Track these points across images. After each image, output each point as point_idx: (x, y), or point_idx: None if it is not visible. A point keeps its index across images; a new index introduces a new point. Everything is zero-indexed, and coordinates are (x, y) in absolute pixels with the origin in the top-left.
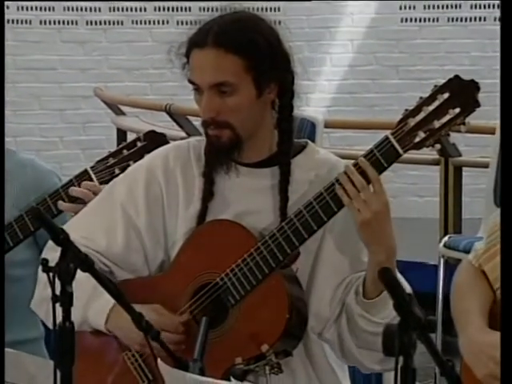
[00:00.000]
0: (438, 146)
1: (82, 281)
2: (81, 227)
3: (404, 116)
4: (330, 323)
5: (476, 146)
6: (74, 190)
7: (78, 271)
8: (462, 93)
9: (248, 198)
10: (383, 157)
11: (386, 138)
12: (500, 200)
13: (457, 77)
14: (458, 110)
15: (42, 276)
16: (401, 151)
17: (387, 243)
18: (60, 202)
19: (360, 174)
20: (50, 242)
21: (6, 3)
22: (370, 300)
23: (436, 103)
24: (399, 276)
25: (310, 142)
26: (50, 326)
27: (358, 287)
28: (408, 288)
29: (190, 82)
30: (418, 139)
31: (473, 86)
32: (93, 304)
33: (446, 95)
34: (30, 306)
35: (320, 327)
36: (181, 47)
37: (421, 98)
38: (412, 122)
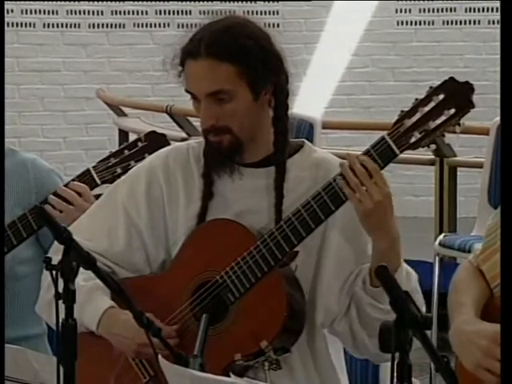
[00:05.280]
0: (433, 146)
1: (78, 285)
2: (83, 229)
3: (400, 117)
4: (340, 316)
5: (470, 146)
6: (63, 190)
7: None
8: (457, 94)
9: (247, 197)
10: (380, 157)
11: (383, 138)
12: (501, 200)
13: (452, 78)
14: (453, 111)
15: (45, 279)
16: (397, 151)
17: (389, 232)
18: (50, 196)
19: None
20: (56, 245)
21: (10, 7)
22: (377, 288)
23: (431, 104)
24: (407, 267)
25: (306, 141)
26: (54, 326)
27: (364, 277)
28: (415, 279)
29: (187, 91)
30: (413, 139)
31: (467, 88)
32: (86, 308)
33: (442, 96)
34: (33, 303)
35: (329, 321)
36: (175, 58)
37: (416, 99)
38: (408, 122)
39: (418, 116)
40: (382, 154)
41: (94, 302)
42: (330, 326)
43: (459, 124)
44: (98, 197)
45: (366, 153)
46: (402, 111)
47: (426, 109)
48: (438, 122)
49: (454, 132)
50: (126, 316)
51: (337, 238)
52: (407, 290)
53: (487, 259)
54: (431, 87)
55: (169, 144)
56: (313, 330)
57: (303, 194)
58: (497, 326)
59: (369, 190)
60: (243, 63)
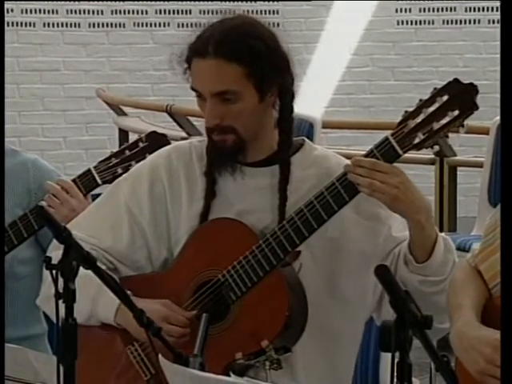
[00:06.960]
0: (436, 147)
1: (91, 275)
2: (86, 226)
3: (404, 117)
4: (383, 305)
5: (470, 146)
6: (49, 185)
7: None
8: (461, 95)
9: (249, 196)
10: (383, 157)
11: (386, 138)
12: (500, 199)
13: (456, 80)
14: (456, 113)
15: (48, 274)
16: (400, 152)
17: (421, 205)
18: (47, 182)
19: None
20: (54, 242)
21: (10, 6)
22: (424, 263)
23: (435, 105)
24: (443, 236)
25: (306, 139)
26: (55, 320)
27: (405, 257)
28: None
29: (193, 89)
30: (417, 140)
31: (471, 89)
32: (102, 298)
33: (445, 98)
34: (33, 302)
35: (370, 314)
36: (182, 54)
37: (420, 100)
38: (412, 123)
39: (421, 117)
40: (386, 154)
41: (108, 292)
42: (378, 316)
43: (463, 125)
44: (96, 196)
45: (370, 153)
46: (406, 112)
47: (430, 110)
48: (442, 123)
49: (458, 132)
50: (142, 303)
51: (355, 235)
52: (407, 290)
53: (485, 259)
54: (435, 88)
55: (170, 144)
56: (321, 331)
57: (306, 193)
58: (498, 333)
59: (382, 180)
60: (252, 64)
